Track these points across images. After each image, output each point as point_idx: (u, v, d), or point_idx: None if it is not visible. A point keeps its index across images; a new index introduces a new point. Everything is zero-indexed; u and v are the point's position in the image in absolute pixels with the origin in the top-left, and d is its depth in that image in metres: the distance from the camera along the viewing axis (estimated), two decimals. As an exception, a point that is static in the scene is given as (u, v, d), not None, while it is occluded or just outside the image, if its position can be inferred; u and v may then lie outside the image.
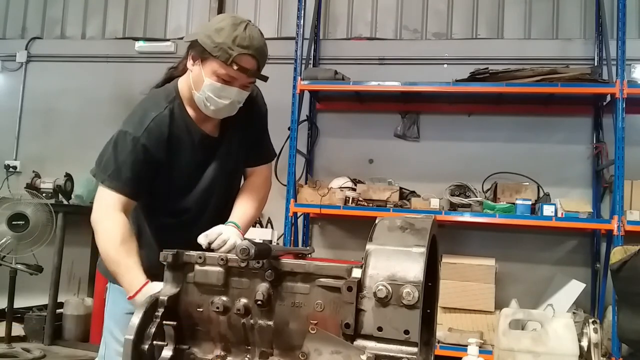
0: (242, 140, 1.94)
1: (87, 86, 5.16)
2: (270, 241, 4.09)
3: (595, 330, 3.29)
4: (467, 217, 3.89)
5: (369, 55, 4.76)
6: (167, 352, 1.16)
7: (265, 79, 1.87)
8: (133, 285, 1.54)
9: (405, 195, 4.25)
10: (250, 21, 1.83)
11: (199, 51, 1.73)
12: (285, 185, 4.24)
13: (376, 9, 4.93)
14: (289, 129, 4.25)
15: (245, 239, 1.38)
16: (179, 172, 1.80)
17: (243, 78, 1.76)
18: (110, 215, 1.65)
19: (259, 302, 1.09)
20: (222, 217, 1.85)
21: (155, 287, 1.38)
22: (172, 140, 1.75)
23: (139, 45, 5.19)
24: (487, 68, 3.98)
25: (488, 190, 4.26)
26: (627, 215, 3.65)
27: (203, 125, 1.83)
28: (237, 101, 1.79)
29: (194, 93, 1.76)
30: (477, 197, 4.07)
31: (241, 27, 1.76)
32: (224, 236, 1.64)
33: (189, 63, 1.77)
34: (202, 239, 1.60)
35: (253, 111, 1.99)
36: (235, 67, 1.70)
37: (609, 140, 3.95)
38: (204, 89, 1.72)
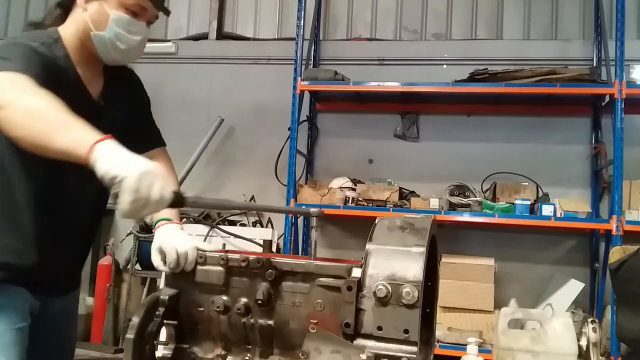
0: (126, 119, 1.67)
1: (88, 86, 5.17)
2: (271, 241, 4.09)
3: (594, 330, 3.29)
4: (466, 217, 3.90)
5: (368, 55, 4.77)
6: (167, 351, 1.17)
7: (168, 12, 1.64)
8: (90, 136, 1.14)
9: (404, 195, 4.26)
10: None
11: None
12: (285, 185, 4.25)
13: (376, 10, 4.94)
14: (289, 129, 4.26)
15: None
16: None
17: (151, 8, 1.55)
18: (31, 90, 1.23)
19: (260, 302, 1.10)
20: (103, 200, 1.65)
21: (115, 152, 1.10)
22: (53, 82, 1.34)
23: (139, 45, 5.19)
24: (486, 69, 3.99)
25: (487, 190, 4.27)
26: (626, 215, 3.66)
27: (88, 86, 1.55)
28: (145, 40, 1.58)
29: (94, 36, 1.49)
30: (476, 197, 4.07)
31: None
32: (182, 249, 1.27)
33: (81, 1, 1.50)
34: (160, 265, 1.33)
35: (136, 91, 1.78)
36: None
37: (608, 141, 3.95)
38: (112, 24, 1.48)
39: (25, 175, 1.46)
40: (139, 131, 1.71)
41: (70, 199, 1.56)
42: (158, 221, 1.48)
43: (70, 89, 1.44)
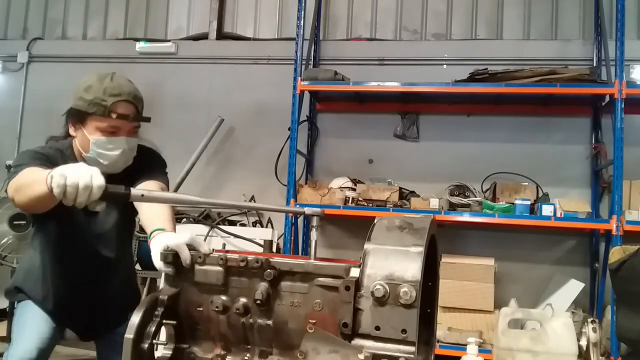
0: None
1: (88, 87, 5.17)
2: (271, 241, 4.10)
3: (594, 330, 3.30)
4: (466, 217, 3.90)
5: (368, 55, 4.77)
6: (167, 351, 1.17)
7: (147, 120, 1.84)
8: (44, 173, 1.43)
9: (404, 195, 4.26)
10: (114, 72, 1.82)
11: (75, 115, 1.78)
12: (285, 185, 4.25)
13: (376, 10, 4.94)
14: (289, 129, 4.26)
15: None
16: (71, 214, 1.78)
17: (126, 125, 1.78)
18: (24, 175, 1.61)
19: (258, 302, 1.10)
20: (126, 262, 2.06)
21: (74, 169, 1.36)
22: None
23: (140, 46, 5.19)
24: (486, 69, 3.99)
25: (487, 190, 4.27)
26: (626, 215, 3.66)
27: None
28: (129, 149, 1.81)
29: (85, 157, 1.80)
30: (476, 197, 4.07)
31: (107, 79, 1.77)
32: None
33: (71, 130, 1.83)
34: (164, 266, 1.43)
35: (151, 166, 1.96)
36: (114, 116, 1.74)
37: (608, 141, 3.95)
38: (92, 147, 1.77)
39: (44, 237, 1.91)
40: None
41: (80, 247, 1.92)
42: (152, 232, 1.54)
43: None
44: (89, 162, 1.72)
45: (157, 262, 1.33)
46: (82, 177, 1.29)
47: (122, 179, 1.86)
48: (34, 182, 1.50)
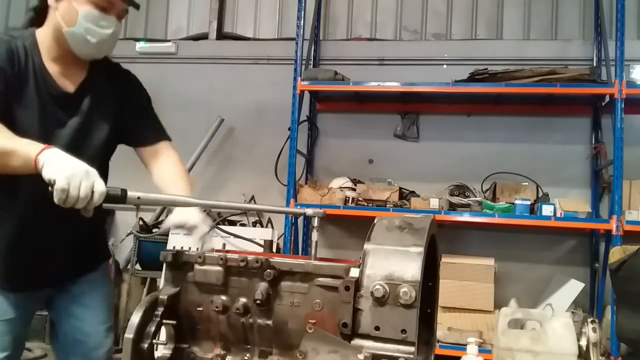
0: (110, 112, 1.75)
1: (88, 87, 5.17)
2: (271, 241, 4.09)
3: (594, 330, 3.29)
4: (466, 217, 3.90)
5: (368, 55, 4.77)
6: (167, 351, 1.17)
7: (137, 6, 1.70)
8: (34, 146, 1.34)
9: (404, 195, 4.26)
10: None
11: None
12: (285, 185, 4.25)
13: (376, 10, 4.93)
14: (289, 129, 4.26)
15: None
16: (28, 118, 1.57)
17: (119, 4, 1.62)
18: None
19: (258, 302, 1.10)
20: None
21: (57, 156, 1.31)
22: (20, 76, 1.56)
23: (140, 46, 5.19)
24: (486, 69, 3.98)
25: (487, 190, 4.26)
26: (626, 215, 3.65)
27: (60, 78, 1.65)
28: (116, 33, 1.63)
29: (66, 32, 1.57)
30: (476, 197, 4.07)
31: None
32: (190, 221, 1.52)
33: (52, 1, 1.59)
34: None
35: (129, 89, 1.84)
36: None
37: (608, 141, 3.95)
38: (81, 20, 1.55)
39: None
40: (133, 126, 1.82)
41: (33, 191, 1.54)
42: None
43: (38, 75, 1.59)
44: (72, 39, 1.58)
45: (171, 222, 1.52)
46: (84, 186, 1.24)
47: (96, 94, 1.71)
48: (8, 152, 1.36)
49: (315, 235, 1.29)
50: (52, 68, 1.63)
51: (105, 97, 1.74)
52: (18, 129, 1.48)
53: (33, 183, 1.35)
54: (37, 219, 1.64)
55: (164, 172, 1.78)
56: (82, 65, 1.70)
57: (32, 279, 1.71)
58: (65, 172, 1.25)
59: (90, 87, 1.71)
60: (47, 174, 1.27)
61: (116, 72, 1.82)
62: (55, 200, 1.24)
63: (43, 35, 1.63)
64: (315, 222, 1.30)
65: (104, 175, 1.72)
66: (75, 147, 1.54)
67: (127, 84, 1.85)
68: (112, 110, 1.76)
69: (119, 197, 1.27)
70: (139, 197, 1.28)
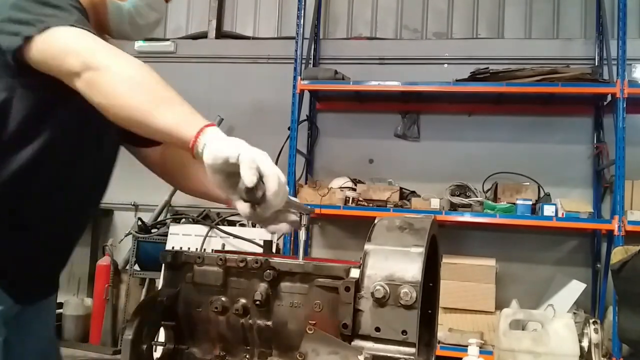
0: None
1: (87, 86, 5.16)
2: (271, 242, 4.08)
3: (596, 331, 3.29)
4: (467, 217, 3.89)
5: (369, 55, 4.76)
6: (166, 351, 1.16)
7: None
8: (198, 118, 1.02)
9: (405, 195, 4.25)
10: None
11: None
12: (285, 185, 4.23)
13: (376, 9, 4.93)
14: (289, 128, 4.25)
15: None
16: (71, 125, 1.23)
17: None
18: (122, 55, 1.07)
19: (258, 302, 1.09)
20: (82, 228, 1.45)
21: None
22: None
23: (139, 45, 5.18)
24: (487, 68, 3.98)
25: (488, 190, 4.26)
26: (628, 216, 3.65)
27: None
28: (160, 20, 1.44)
29: (112, 3, 1.31)
30: (477, 197, 4.06)
31: None
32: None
33: None
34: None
35: None
36: None
37: (610, 140, 3.94)
38: None
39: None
40: None
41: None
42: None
43: None
44: (115, 13, 1.32)
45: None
46: (283, 179, 0.93)
47: None
48: (160, 106, 1.00)
49: (303, 235, 1.28)
50: None
51: None
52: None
53: (72, 188, 1.17)
54: (57, 232, 1.37)
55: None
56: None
57: (30, 288, 1.36)
58: (272, 164, 0.93)
59: None
60: (225, 151, 0.94)
61: None
62: (265, 206, 0.91)
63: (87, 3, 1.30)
64: (304, 220, 1.29)
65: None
66: (98, 146, 1.31)
67: None
68: None
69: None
70: None
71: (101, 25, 1.34)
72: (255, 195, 0.90)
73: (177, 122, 0.99)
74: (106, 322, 4.47)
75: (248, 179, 0.90)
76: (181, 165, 1.51)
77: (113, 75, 1.02)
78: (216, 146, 0.96)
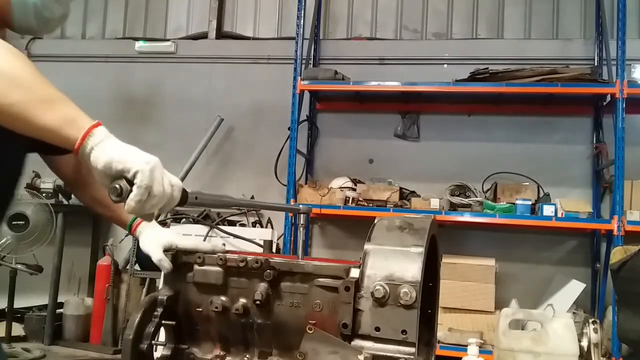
0: None
1: (87, 86, 5.14)
2: (271, 241, 4.09)
3: (595, 330, 3.29)
4: (467, 217, 3.89)
5: (369, 55, 4.76)
6: (166, 351, 1.17)
7: None
8: (83, 118, 0.96)
9: (405, 195, 4.25)
10: None
11: None
12: (285, 185, 4.24)
13: (376, 9, 4.93)
14: (289, 129, 4.26)
15: None
16: None
17: None
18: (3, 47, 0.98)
19: (258, 302, 1.09)
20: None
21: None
22: None
23: (139, 45, 5.18)
24: (487, 68, 3.98)
25: (488, 190, 4.26)
26: (627, 216, 3.65)
27: None
28: (66, 17, 1.37)
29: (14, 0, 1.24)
30: (477, 197, 4.07)
31: None
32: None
33: None
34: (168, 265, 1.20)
35: None
36: None
37: (609, 140, 3.94)
38: None
39: None
40: None
41: None
42: (134, 220, 1.36)
43: None
44: (18, 6, 1.25)
45: (160, 257, 1.22)
46: (166, 180, 0.97)
47: None
48: (42, 104, 0.94)
49: (301, 234, 1.28)
50: None
51: None
52: None
53: None
54: None
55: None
56: (3, 34, 1.31)
57: None
58: (148, 161, 0.94)
59: None
60: (108, 159, 0.92)
61: None
62: (133, 202, 0.92)
63: None
64: (302, 219, 1.30)
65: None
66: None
67: None
68: None
69: (185, 199, 1.06)
70: (196, 198, 1.09)
71: (0, 19, 1.27)
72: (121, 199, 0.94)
73: (60, 121, 0.94)
74: (106, 322, 4.47)
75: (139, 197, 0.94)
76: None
77: None
78: (109, 153, 0.93)
